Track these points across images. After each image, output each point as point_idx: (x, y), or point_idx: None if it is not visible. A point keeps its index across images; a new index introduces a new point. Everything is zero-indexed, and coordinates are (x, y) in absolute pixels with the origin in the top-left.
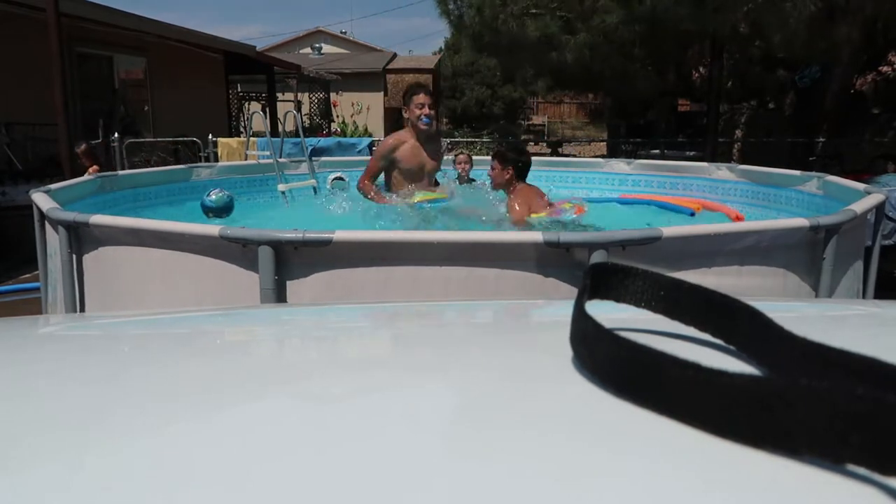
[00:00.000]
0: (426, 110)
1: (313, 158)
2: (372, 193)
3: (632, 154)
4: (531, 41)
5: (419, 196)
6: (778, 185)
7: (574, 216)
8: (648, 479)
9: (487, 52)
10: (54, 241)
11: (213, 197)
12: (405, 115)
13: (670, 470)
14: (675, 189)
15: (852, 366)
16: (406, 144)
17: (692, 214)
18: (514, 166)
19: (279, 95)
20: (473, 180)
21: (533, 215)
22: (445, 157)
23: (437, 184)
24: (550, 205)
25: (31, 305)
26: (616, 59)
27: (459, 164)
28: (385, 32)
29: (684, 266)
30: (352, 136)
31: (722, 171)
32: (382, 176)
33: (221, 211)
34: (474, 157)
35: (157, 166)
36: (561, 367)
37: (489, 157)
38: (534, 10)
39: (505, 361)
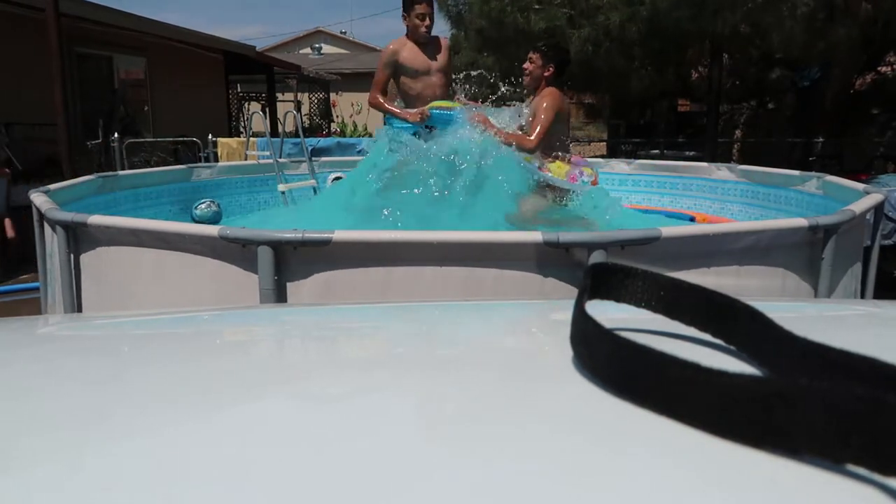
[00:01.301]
0: (427, 21)
1: (313, 158)
2: (387, 105)
3: (632, 154)
4: (535, 34)
5: (435, 104)
6: (778, 185)
7: (589, 185)
8: (649, 478)
9: (489, 48)
10: (53, 242)
11: (199, 212)
12: (404, 23)
13: (670, 470)
14: (675, 189)
15: (852, 366)
16: (406, 47)
17: (692, 220)
18: (556, 64)
19: (279, 96)
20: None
21: (557, 163)
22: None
23: (453, 95)
24: (573, 158)
25: (31, 305)
26: (617, 57)
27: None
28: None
29: (684, 266)
30: (351, 137)
31: (722, 171)
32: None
33: (208, 222)
34: None
35: (157, 166)
36: (561, 367)
37: None
38: (537, 6)
39: (505, 361)
